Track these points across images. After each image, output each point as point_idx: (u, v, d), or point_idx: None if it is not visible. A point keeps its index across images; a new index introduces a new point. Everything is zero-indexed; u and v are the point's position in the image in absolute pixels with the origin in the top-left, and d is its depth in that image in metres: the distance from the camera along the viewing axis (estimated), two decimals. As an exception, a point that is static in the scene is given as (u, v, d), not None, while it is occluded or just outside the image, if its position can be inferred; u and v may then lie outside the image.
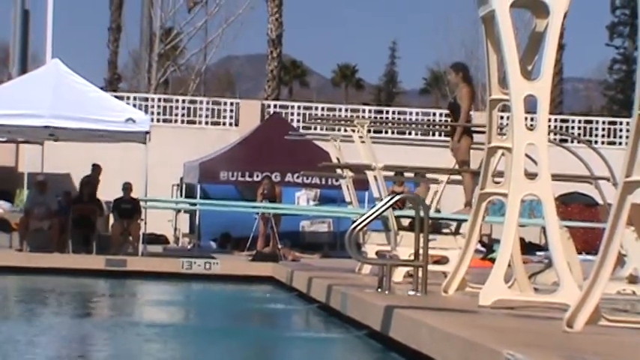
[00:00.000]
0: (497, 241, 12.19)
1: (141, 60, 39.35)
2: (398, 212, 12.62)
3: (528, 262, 13.55)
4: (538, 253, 21.71)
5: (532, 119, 9.02)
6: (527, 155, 8.89)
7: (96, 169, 20.88)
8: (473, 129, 12.86)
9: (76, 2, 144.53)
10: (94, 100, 19.82)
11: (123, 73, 49.92)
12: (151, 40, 37.63)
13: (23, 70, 28.88)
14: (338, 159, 16.16)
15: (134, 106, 26.05)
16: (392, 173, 14.74)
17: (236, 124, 28.98)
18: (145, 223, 20.00)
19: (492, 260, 11.71)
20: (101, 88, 24.29)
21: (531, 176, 8.83)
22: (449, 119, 13.40)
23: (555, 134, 23.78)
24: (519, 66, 8.79)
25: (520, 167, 8.77)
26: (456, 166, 13.06)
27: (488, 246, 22.17)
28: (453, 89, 15.00)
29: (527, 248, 20.69)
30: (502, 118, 10.81)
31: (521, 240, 10.79)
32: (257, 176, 22.02)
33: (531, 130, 8.84)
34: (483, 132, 9.75)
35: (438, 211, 14.73)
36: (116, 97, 24.50)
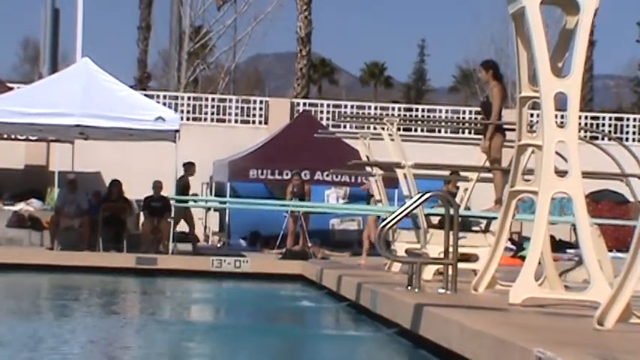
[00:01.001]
0: (528, 239, 12.16)
1: (170, 58, 39.47)
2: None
3: (559, 259, 13.51)
4: (568, 250, 21.63)
5: (562, 117, 8.98)
6: (557, 153, 8.85)
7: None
8: (505, 127, 12.81)
9: (106, 1, 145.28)
10: (123, 98, 19.91)
11: (153, 71, 50.14)
12: (181, 38, 37.75)
13: (54, 69, 29.05)
14: (367, 157, 16.15)
15: (164, 104, 26.13)
16: (422, 171, 14.72)
17: (265, 123, 29.03)
18: (175, 222, 20.07)
19: (522, 258, 11.67)
20: (131, 87, 24.39)
21: (562, 174, 8.79)
22: (480, 117, 13.36)
23: (586, 131, 23.66)
24: (549, 63, 8.75)
25: (550, 165, 8.74)
26: (487, 164, 13.02)
27: (519, 244, 22.10)
28: (483, 87, 14.99)
29: (558, 246, 20.60)
30: (532, 115, 10.76)
31: (552, 238, 10.73)
32: (286, 174, 22.05)
33: (562, 127, 8.80)
34: (513, 129, 9.72)
35: (467, 208, 14.70)
36: (146, 95, 24.60)
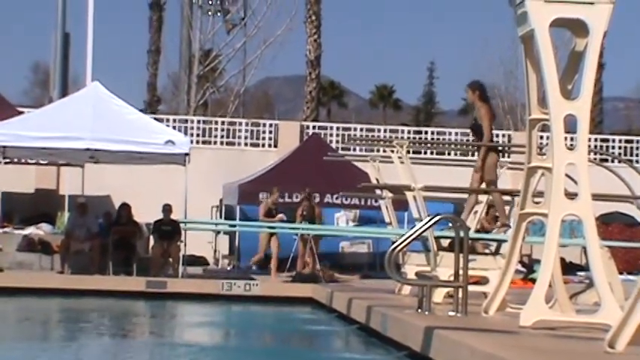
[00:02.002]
0: (538, 262, 12.13)
1: (180, 82, 39.58)
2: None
3: (569, 282, 13.46)
4: (579, 273, 21.54)
5: (572, 139, 8.98)
6: (567, 175, 8.85)
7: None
8: (513, 149, 12.84)
9: (116, 25, 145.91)
10: (133, 122, 19.96)
11: (162, 95, 50.26)
12: (190, 62, 37.86)
13: (64, 93, 29.15)
14: (377, 179, 16.16)
15: (174, 128, 26.19)
16: (431, 193, 14.72)
17: (275, 146, 29.06)
18: (185, 245, 20.09)
19: (533, 281, 11.64)
20: (141, 111, 24.45)
21: (571, 196, 8.78)
22: (471, 139, 13.42)
23: (595, 154, 23.62)
24: (559, 85, 8.76)
25: (560, 187, 8.73)
26: (475, 184, 13.02)
27: (529, 266, 22.04)
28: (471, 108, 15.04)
29: (568, 268, 20.53)
30: (542, 137, 10.76)
31: (562, 260, 10.72)
32: (296, 197, 22.05)
33: (571, 149, 8.80)
34: (523, 152, 9.71)
35: (477, 231, 14.68)
36: (156, 119, 24.66)
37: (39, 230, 22.01)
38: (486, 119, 12.41)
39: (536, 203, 9.36)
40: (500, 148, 12.73)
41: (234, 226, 22.30)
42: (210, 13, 38.01)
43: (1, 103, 23.42)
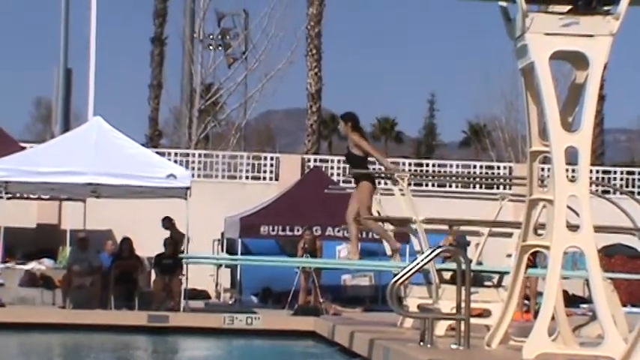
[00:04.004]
0: (541, 294, 12.09)
1: (181, 116, 39.67)
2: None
3: (572, 314, 13.43)
4: (582, 305, 21.49)
5: (573, 171, 8.98)
6: (569, 207, 8.85)
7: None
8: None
9: (118, 60, 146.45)
10: (135, 156, 19.99)
11: (164, 129, 50.31)
12: (192, 96, 37.97)
13: (66, 128, 29.21)
14: (378, 212, 16.15)
15: (175, 161, 26.23)
16: (433, 226, 14.70)
17: (276, 179, 29.08)
18: (187, 279, 20.06)
19: (535, 313, 11.60)
20: (142, 145, 24.50)
21: (573, 228, 8.77)
22: (348, 168, 13.57)
23: (597, 185, 23.62)
24: (559, 117, 8.78)
25: (562, 219, 8.73)
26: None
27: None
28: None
29: (571, 301, 20.48)
30: (543, 169, 10.77)
31: (565, 292, 10.69)
32: (297, 230, 22.04)
33: (573, 181, 8.81)
34: (524, 184, 9.72)
35: (479, 263, 14.65)
36: (157, 153, 24.70)
37: (41, 265, 21.99)
38: (362, 142, 12.54)
39: (538, 235, 9.35)
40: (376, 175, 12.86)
41: (236, 260, 22.25)
42: (211, 47, 38.16)
43: (3, 138, 23.46)
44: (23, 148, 22.64)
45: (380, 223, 12.49)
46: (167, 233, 20.97)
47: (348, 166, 13.51)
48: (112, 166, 19.39)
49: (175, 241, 20.83)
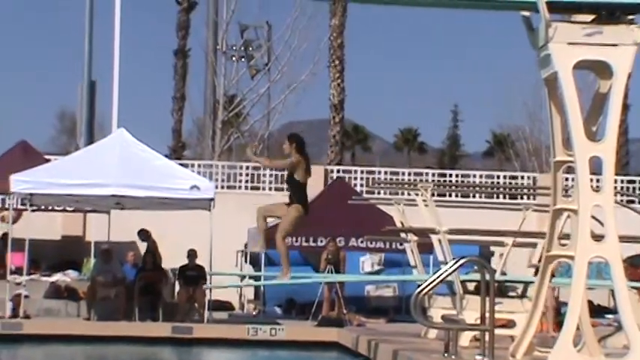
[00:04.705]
0: (565, 304, 12.03)
1: (205, 128, 39.77)
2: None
3: (597, 325, 13.35)
4: (607, 315, 21.35)
5: (598, 180, 8.95)
6: (593, 217, 8.81)
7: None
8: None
9: (141, 73, 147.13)
10: (159, 168, 20.06)
11: (187, 140, 50.48)
12: (215, 107, 38.07)
13: (90, 140, 29.34)
14: (402, 223, 16.14)
15: (198, 173, 26.28)
16: (456, 236, 14.67)
17: (299, 190, 29.04)
18: (210, 290, 20.07)
19: (560, 324, 11.55)
20: (166, 156, 24.56)
21: (598, 238, 8.74)
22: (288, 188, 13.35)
23: (622, 195, 23.52)
24: (583, 127, 8.76)
25: (586, 229, 8.69)
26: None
27: (556, 309, 21.85)
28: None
29: (596, 311, 20.34)
30: (567, 179, 10.74)
31: (590, 303, 10.63)
32: (321, 241, 22.03)
33: (597, 191, 8.77)
34: (548, 194, 9.68)
35: (503, 274, 14.60)
36: (181, 164, 24.76)
37: (66, 277, 22.08)
38: (285, 164, 12.46)
39: (563, 245, 9.31)
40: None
41: (259, 279, 22.26)
42: (234, 59, 38.27)
43: (28, 151, 23.60)
44: (48, 161, 22.76)
45: (286, 249, 12.46)
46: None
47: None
48: (136, 178, 19.46)
49: (153, 253, 21.05)
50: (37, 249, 21.13)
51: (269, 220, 23.24)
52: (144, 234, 21.68)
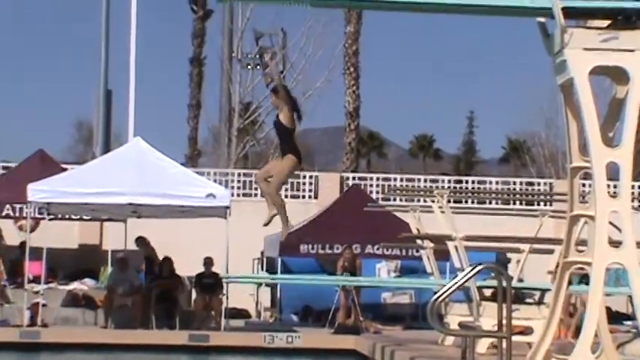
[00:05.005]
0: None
1: (220, 135, 39.85)
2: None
3: (616, 331, 13.30)
4: (625, 322, 21.26)
5: (615, 186, 8.92)
6: (610, 223, 8.78)
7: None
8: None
9: (157, 81, 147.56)
10: (174, 176, 20.10)
11: (203, 148, 50.57)
12: (230, 115, 38.15)
13: (107, 149, 29.44)
14: (418, 229, 16.13)
15: (214, 181, 26.31)
16: (473, 243, 14.65)
17: (315, 197, 29.09)
18: (227, 298, 20.10)
19: (578, 330, 11.51)
20: (182, 164, 24.61)
21: (616, 244, 8.71)
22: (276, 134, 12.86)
23: (639, 201, 23.43)
24: (600, 133, 8.73)
25: (604, 235, 8.66)
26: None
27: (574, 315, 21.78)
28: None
29: (614, 318, 20.25)
30: (584, 185, 10.72)
31: (608, 309, 10.59)
32: (337, 248, 22.03)
33: (614, 197, 8.74)
34: (565, 200, 9.66)
35: (520, 280, 14.57)
36: (197, 172, 24.81)
37: (83, 285, 22.14)
38: (284, 109, 11.82)
39: (580, 252, 9.28)
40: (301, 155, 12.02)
41: (275, 286, 22.26)
42: (249, 66, 38.34)
43: (45, 160, 23.68)
44: (65, 170, 22.83)
45: (282, 201, 11.85)
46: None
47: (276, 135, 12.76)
48: (152, 186, 19.50)
49: (151, 260, 21.09)
50: (54, 258, 21.20)
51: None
52: (141, 241, 21.73)
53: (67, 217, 23.95)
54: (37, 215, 21.47)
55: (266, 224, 11.46)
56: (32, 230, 21.03)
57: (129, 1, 30.37)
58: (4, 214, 22.51)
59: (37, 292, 20.31)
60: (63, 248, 24.37)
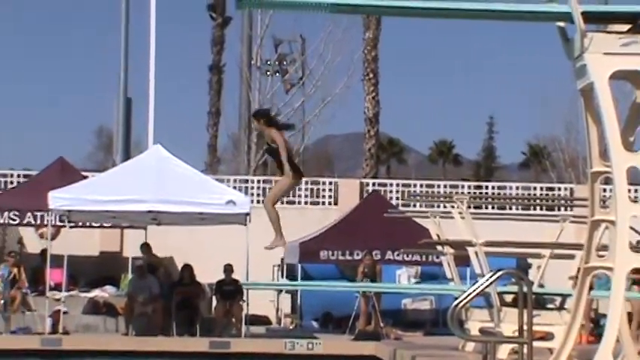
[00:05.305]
0: (604, 316, 11.95)
1: (240, 142, 39.91)
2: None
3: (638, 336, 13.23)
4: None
5: (636, 191, 8.89)
6: (631, 228, 8.74)
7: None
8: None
9: (177, 89, 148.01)
10: (194, 183, 20.14)
11: (223, 156, 50.67)
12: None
13: (127, 156, 29.53)
14: (438, 235, 16.10)
15: (234, 188, 26.36)
16: (493, 248, 14.61)
17: (335, 203, 29.09)
18: (247, 304, 20.11)
19: (599, 336, 11.46)
20: (202, 172, 24.68)
21: (637, 249, 8.67)
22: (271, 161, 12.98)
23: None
24: (620, 138, 8.69)
25: (625, 240, 8.62)
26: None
27: (595, 321, 21.70)
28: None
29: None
30: (605, 190, 10.69)
31: (629, 314, 10.56)
32: (357, 255, 22.02)
33: (635, 201, 8.72)
34: (585, 205, 9.62)
35: (541, 286, 14.53)
36: (216, 179, 24.87)
37: (104, 292, 22.22)
38: (278, 138, 12.02)
39: (601, 257, 9.24)
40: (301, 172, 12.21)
41: (295, 292, 22.28)
42: (268, 73, 38.40)
43: (66, 168, 23.79)
44: (85, 177, 22.93)
45: (276, 213, 12.12)
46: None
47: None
48: (172, 194, 19.55)
49: (154, 267, 21.14)
50: (75, 265, 21.28)
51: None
52: (145, 248, 21.79)
53: (87, 224, 24.05)
54: (58, 223, 21.58)
55: (268, 248, 11.66)
56: (53, 238, 21.13)
57: (148, 9, 30.54)
58: (25, 221, 22.62)
59: (58, 300, 20.40)
60: (84, 256, 24.47)
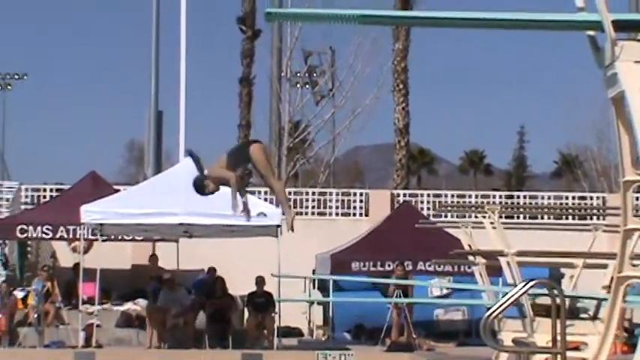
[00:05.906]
0: (639, 326, 11.87)
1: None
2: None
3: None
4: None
5: (668, 199, 8.83)
6: (665, 236, 8.68)
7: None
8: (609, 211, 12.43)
9: (207, 101, 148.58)
10: (225, 195, 20.14)
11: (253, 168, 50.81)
12: (280, 134, 38.29)
13: (158, 169, 29.67)
14: (470, 246, 16.03)
15: (265, 200, 26.41)
16: (525, 258, 14.53)
17: (366, 215, 29.08)
18: (279, 316, 20.12)
19: (634, 345, 11.39)
20: (233, 184, 24.70)
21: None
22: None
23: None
24: (652, 146, 8.63)
25: (658, 249, 8.57)
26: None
27: (630, 331, 21.55)
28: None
29: None
30: (638, 199, 10.63)
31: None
32: (389, 266, 21.99)
33: (668, 210, 8.65)
34: (618, 214, 9.56)
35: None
36: (247, 191, 24.92)
37: (136, 306, 22.29)
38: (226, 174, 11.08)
39: (634, 266, 9.18)
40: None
41: (327, 304, 22.26)
42: (298, 85, 38.48)
43: (98, 181, 23.93)
44: (117, 191, 23.06)
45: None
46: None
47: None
48: (203, 206, 19.57)
49: (158, 279, 21.23)
50: (107, 278, 21.38)
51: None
52: (153, 259, 21.92)
53: (119, 237, 24.17)
54: (91, 236, 21.69)
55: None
56: (86, 251, 21.24)
57: (178, 22, 30.71)
58: (58, 236, 22.75)
59: (91, 313, 20.49)
60: (116, 269, 24.57)
